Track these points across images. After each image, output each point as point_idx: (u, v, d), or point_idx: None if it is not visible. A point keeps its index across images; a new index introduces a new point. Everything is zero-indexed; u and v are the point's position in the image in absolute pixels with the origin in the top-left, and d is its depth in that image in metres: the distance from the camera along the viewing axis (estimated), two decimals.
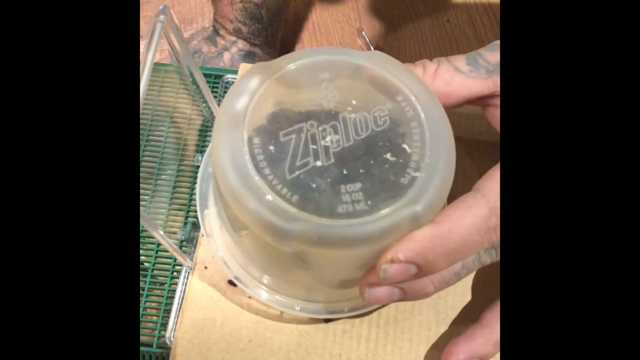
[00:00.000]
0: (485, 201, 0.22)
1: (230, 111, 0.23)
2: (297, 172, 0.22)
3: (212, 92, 0.38)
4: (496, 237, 0.22)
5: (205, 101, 0.33)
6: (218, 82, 0.39)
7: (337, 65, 0.25)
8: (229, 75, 0.39)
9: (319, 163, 0.22)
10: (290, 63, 0.25)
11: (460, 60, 0.25)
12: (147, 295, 0.32)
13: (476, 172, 0.32)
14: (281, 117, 0.23)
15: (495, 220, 0.21)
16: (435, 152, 0.22)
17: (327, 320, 0.28)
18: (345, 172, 0.22)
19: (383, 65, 0.25)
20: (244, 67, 0.36)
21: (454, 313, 0.28)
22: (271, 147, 0.23)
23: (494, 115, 0.26)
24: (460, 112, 0.33)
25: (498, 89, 0.25)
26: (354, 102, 0.24)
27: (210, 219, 0.28)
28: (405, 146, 0.23)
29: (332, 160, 0.22)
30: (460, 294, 0.29)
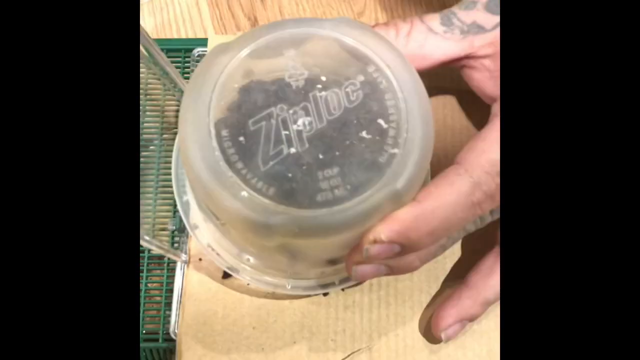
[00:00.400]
0: (468, 176, 0.21)
1: (194, 103, 0.22)
2: (271, 163, 0.21)
3: (184, 68, 0.37)
4: (481, 210, 0.21)
5: (175, 84, 0.31)
6: (188, 56, 0.37)
7: (302, 40, 0.23)
8: (199, 49, 0.37)
9: (292, 150, 0.21)
10: (252, 41, 0.23)
11: (434, 20, 0.24)
12: (146, 291, 0.32)
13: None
14: (248, 102, 0.22)
15: (480, 195, 0.21)
16: (412, 125, 0.21)
17: (325, 293, 0.28)
18: (321, 156, 0.21)
19: (351, 33, 0.23)
20: (212, 39, 0.34)
21: (453, 275, 0.28)
22: (241, 138, 0.21)
23: (471, 77, 0.25)
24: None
25: (474, 50, 0.23)
26: (323, 78, 0.22)
27: (192, 207, 0.27)
28: (381, 121, 0.22)
29: (307, 146, 0.21)
30: (458, 254, 0.29)
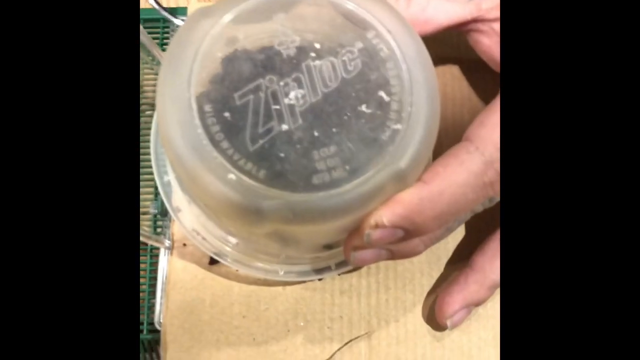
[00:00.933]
0: (479, 154, 0.19)
1: (172, 75, 0.19)
2: (260, 141, 0.19)
3: (163, 39, 0.34)
4: (493, 192, 0.19)
5: (153, 57, 0.29)
6: (167, 27, 0.35)
7: (293, 2, 0.21)
8: (181, 17, 0.34)
9: (284, 127, 0.19)
10: (237, 4, 0.21)
11: None
12: None
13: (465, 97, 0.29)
14: (234, 74, 0.20)
15: (492, 174, 0.19)
16: (417, 98, 0.19)
17: (320, 278, 0.26)
18: (316, 134, 0.19)
19: None
20: (192, 6, 0.32)
21: (456, 257, 0.27)
22: (226, 114, 0.19)
23: (479, 42, 0.23)
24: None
25: (482, 13, 0.21)
26: (317, 45, 0.20)
27: (175, 188, 0.25)
28: (382, 94, 0.19)
29: (300, 122, 0.19)
30: (461, 233, 0.27)
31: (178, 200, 0.25)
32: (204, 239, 0.25)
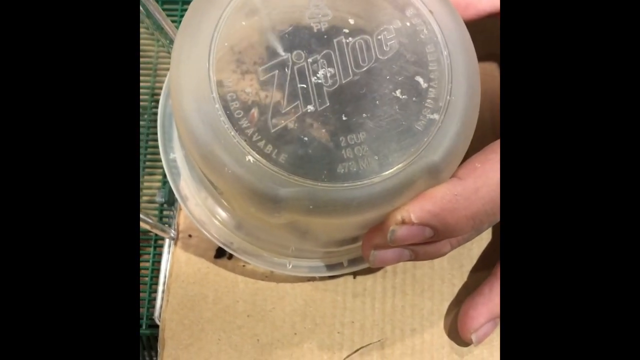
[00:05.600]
0: None
1: (190, 42, 0.18)
2: (283, 122, 0.17)
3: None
4: None
5: (170, 40, 0.27)
6: (187, 9, 0.33)
7: None
8: None
9: (310, 108, 0.17)
10: None
11: None
12: None
13: None
14: (258, 46, 0.18)
15: None
16: (457, 86, 0.17)
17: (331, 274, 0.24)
18: (344, 118, 0.17)
19: None
20: None
21: (480, 264, 0.25)
22: (248, 90, 0.18)
23: None
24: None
25: None
26: (351, 21, 0.18)
27: (182, 172, 0.23)
28: (420, 79, 0.18)
29: (328, 104, 0.17)
30: (487, 238, 0.25)
31: (186, 188, 0.24)
32: (210, 228, 0.23)
